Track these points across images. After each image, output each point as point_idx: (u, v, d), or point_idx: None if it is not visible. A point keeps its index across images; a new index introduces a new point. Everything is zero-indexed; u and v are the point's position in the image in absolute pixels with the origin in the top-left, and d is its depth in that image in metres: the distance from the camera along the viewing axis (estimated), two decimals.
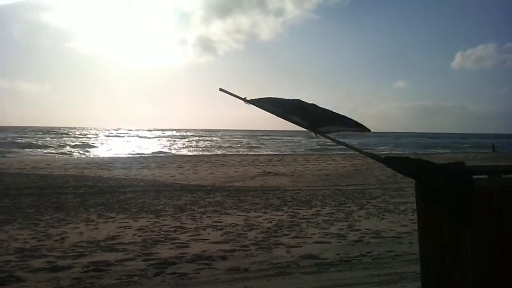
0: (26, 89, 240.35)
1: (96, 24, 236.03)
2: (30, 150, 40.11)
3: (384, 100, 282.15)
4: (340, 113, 3.45)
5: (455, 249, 3.01)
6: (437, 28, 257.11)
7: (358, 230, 7.74)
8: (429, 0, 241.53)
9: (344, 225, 8.21)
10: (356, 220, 8.73)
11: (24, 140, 53.01)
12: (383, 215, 9.33)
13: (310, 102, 3.52)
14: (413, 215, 8.58)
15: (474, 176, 3.08)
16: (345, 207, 10.37)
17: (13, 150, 38.51)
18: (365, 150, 3.65)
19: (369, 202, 11.08)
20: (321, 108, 3.49)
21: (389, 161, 3.25)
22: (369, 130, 3.36)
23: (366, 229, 7.81)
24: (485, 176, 3.11)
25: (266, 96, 3.56)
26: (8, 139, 54.62)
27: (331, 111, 3.47)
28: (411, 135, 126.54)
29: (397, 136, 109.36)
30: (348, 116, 3.44)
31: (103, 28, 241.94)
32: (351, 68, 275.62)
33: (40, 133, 78.83)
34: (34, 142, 50.19)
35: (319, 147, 47.14)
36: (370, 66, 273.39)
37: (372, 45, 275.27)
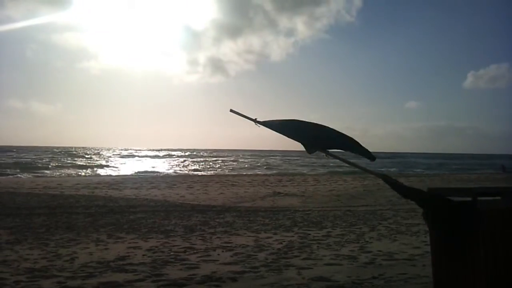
0: (39, 110, 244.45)
1: (107, 45, 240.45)
2: (42, 170, 40.55)
3: (395, 120, 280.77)
4: (351, 133, 3.57)
5: (469, 272, 2.96)
6: (449, 48, 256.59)
7: (369, 252, 7.63)
8: (441, 20, 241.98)
9: (355, 246, 8.10)
10: (367, 241, 8.61)
11: (36, 160, 53.65)
12: (395, 236, 9.19)
13: (320, 124, 3.59)
14: (425, 237, 8.44)
15: (488, 198, 3.05)
16: (356, 228, 10.25)
17: (25, 170, 39.00)
18: (379, 172, 3.64)
19: (381, 223, 10.94)
20: (332, 130, 3.55)
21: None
22: (374, 159, 3.64)
23: (378, 251, 7.69)
24: (499, 197, 3.08)
25: (276, 117, 3.65)
26: (21, 159, 55.37)
27: (341, 135, 3.54)
28: (423, 155, 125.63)
29: (405, 156, 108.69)
30: (357, 142, 3.56)
31: (114, 49, 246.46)
32: (362, 88, 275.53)
33: (51, 153, 79.74)
34: (45, 162, 50.75)
35: (329, 167, 46.98)
36: (382, 86, 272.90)
37: (384, 65, 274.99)
